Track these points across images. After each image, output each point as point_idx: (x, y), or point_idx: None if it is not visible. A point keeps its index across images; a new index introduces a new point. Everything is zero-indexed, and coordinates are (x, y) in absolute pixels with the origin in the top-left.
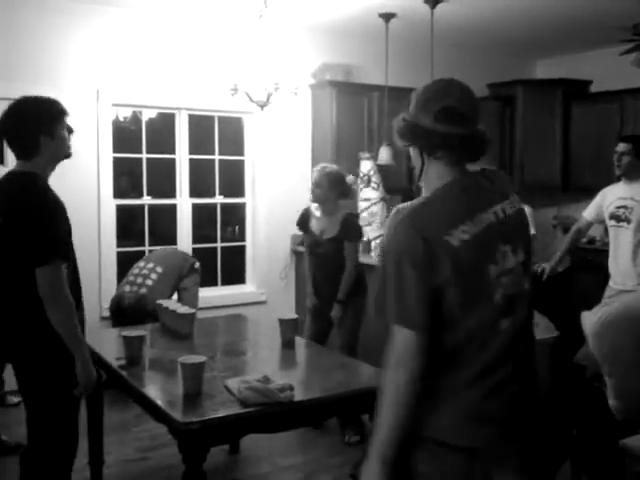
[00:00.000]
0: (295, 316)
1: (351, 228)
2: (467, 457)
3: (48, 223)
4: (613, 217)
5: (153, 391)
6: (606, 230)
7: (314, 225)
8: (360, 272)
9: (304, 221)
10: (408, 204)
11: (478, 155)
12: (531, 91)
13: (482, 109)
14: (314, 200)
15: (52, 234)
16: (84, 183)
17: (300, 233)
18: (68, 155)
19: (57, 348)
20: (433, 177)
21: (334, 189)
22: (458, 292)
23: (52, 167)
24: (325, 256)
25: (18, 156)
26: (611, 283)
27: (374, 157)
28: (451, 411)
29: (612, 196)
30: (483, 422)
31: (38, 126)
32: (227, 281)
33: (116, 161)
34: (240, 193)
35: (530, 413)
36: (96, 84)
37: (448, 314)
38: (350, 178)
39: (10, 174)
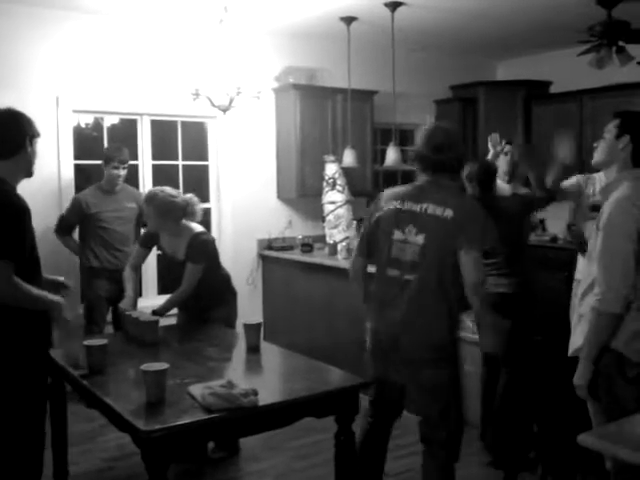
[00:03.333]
0: (260, 321)
1: (194, 250)
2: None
3: (3, 223)
4: (595, 209)
5: (116, 400)
6: (569, 227)
7: (166, 244)
8: (227, 298)
9: (152, 239)
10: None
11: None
12: (492, 92)
13: (445, 110)
14: (155, 232)
15: (5, 234)
16: (45, 190)
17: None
18: (30, 173)
19: (21, 360)
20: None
21: (165, 217)
22: (372, 231)
23: (20, 177)
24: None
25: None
26: (578, 276)
27: (339, 160)
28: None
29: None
30: (378, 335)
31: (28, 128)
32: None
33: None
34: (205, 198)
35: (403, 331)
36: (56, 90)
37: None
38: (182, 199)
39: None
